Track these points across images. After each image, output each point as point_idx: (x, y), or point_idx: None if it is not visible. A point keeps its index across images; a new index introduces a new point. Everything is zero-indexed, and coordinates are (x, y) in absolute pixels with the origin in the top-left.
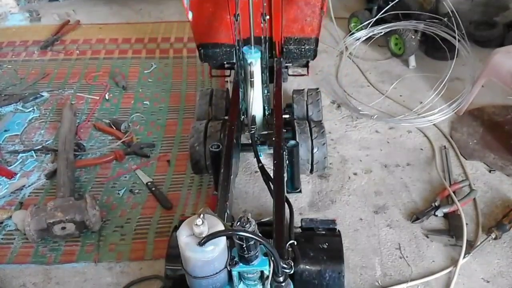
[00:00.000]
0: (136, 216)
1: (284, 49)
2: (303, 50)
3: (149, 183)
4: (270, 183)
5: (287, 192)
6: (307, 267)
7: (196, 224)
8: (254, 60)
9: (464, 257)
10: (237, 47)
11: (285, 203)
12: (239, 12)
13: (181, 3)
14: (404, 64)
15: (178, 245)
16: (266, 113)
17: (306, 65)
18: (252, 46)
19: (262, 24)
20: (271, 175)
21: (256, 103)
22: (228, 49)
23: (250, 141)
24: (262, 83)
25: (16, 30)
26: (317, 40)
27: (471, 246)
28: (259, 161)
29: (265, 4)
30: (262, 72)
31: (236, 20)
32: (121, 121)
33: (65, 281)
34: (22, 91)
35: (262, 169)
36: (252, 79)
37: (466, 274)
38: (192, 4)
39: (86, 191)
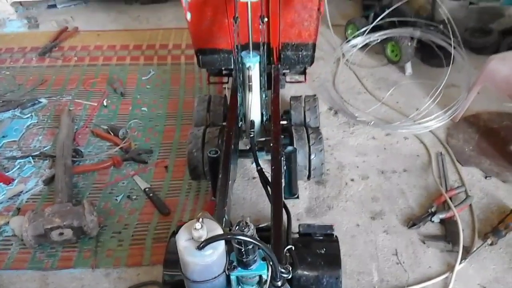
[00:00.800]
0: (134, 222)
1: (282, 55)
2: (300, 56)
3: (146, 189)
4: (268, 187)
5: (285, 198)
6: (304, 272)
7: (195, 228)
8: (253, 64)
9: (460, 263)
10: (236, 51)
11: (283, 209)
12: (238, 16)
13: (180, 3)
14: (400, 71)
15: (176, 250)
16: (264, 119)
17: (304, 72)
18: (251, 51)
19: (260, 26)
20: (269, 179)
21: (254, 108)
22: (226, 55)
23: (247, 147)
24: (261, 88)
25: (14, 36)
26: (314, 46)
27: (467, 251)
28: (258, 164)
29: (263, 8)
30: (260, 76)
31: (235, 23)
32: (119, 127)
33: (63, 287)
34: (20, 97)
35: (260, 172)
36: (251, 83)
37: (463, 280)
38: (191, 7)
39: (84, 197)
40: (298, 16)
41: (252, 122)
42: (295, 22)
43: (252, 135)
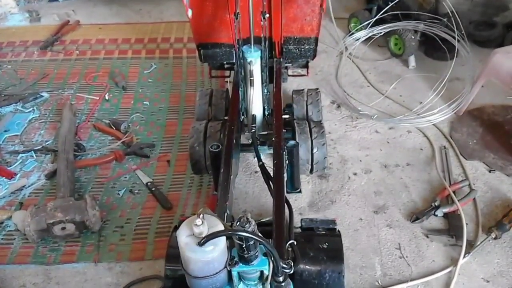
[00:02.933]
0: (136, 216)
1: (284, 49)
2: (302, 50)
3: (149, 183)
4: (270, 182)
5: (287, 192)
6: (307, 267)
7: (196, 224)
8: (254, 59)
9: (464, 257)
10: (237, 46)
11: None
12: (239, 11)
13: (181, 1)
14: (403, 64)
15: (178, 245)
16: (266, 113)
17: (306, 65)
18: (252, 46)
19: (262, 22)
20: (271, 174)
21: (256, 103)
22: (228, 49)
23: (249, 141)
24: (262, 83)
25: (15, 30)
26: (316, 40)
27: (471, 246)
28: (259, 159)
29: (265, 3)
30: (262, 71)
31: (236, 19)
32: (121, 121)
33: (65, 281)
34: (22, 91)
35: (262, 167)
36: (252, 78)
37: (466, 274)
38: (192, 2)
39: (86, 192)
40: (300, 11)
41: (254, 117)
42: (297, 17)
43: (253, 130)
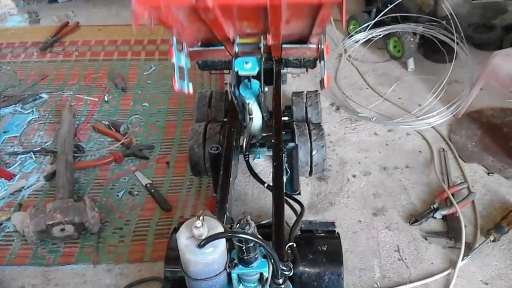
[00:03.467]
0: (135, 218)
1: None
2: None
3: (148, 185)
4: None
5: (286, 195)
6: (306, 269)
7: (196, 226)
8: (252, 102)
9: (462, 259)
10: (233, 88)
11: (298, 204)
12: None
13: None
14: (403, 66)
15: (177, 247)
16: (265, 118)
17: None
18: (250, 82)
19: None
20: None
21: (255, 128)
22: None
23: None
24: (262, 114)
25: (15, 31)
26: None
27: (469, 248)
28: (263, 182)
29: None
30: (260, 108)
31: (235, 59)
32: (120, 123)
33: (64, 282)
34: (21, 92)
35: (270, 187)
36: (251, 116)
37: (465, 276)
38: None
39: (85, 193)
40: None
41: (249, 141)
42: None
43: (247, 159)
